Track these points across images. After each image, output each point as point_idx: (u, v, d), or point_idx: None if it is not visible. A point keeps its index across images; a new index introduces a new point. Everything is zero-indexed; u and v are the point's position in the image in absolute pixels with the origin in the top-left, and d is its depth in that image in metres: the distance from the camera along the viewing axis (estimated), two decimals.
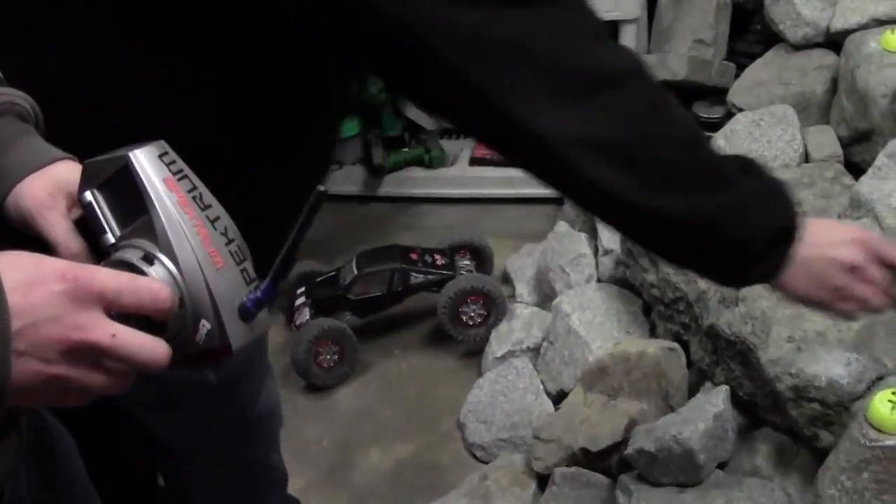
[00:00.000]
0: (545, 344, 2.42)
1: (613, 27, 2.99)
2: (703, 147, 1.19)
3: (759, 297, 1.90)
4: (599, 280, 2.50)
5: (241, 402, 1.56)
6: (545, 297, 2.65)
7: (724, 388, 1.92)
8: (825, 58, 2.57)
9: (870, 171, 1.93)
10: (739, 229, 1.16)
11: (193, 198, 0.88)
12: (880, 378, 1.72)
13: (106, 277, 0.77)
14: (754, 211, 1.17)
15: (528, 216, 3.24)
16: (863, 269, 1.25)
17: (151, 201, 0.86)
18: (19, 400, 0.74)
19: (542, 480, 2.09)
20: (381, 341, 2.77)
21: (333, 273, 2.76)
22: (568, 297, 2.41)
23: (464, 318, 2.63)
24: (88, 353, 0.76)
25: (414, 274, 2.68)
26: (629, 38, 2.98)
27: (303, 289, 2.78)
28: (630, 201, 1.10)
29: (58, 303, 0.74)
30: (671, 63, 2.88)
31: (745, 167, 1.20)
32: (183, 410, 1.47)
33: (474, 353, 2.65)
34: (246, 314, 0.87)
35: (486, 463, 2.29)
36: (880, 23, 2.40)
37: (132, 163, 0.88)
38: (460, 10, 0.99)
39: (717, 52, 2.96)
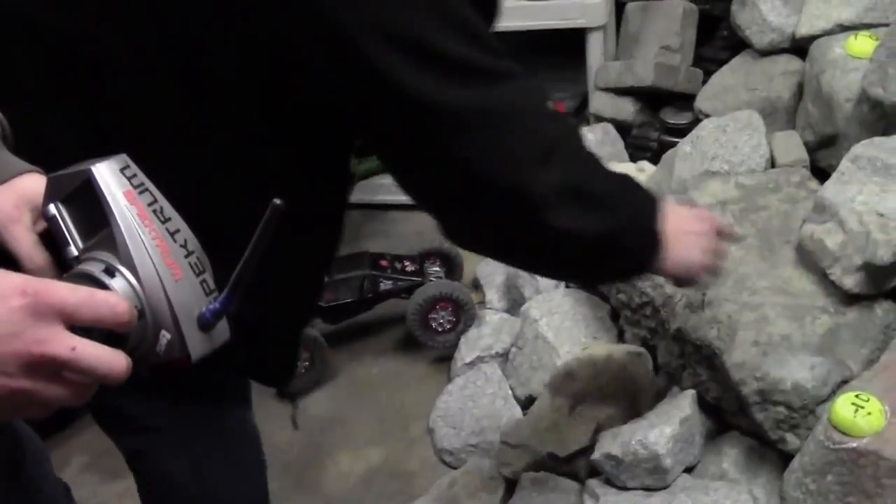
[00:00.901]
0: (514, 349, 2.41)
1: (580, 35, 2.99)
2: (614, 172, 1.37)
3: (724, 301, 1.90)
4: (567, 286, 2.48)
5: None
6: (514, 303, 2.64)
7: (691, 393, 1.91)
8: (791, 63, 2.57)
9: (834, 176, 1.93)
10: (643, 222, 1.36)
11: (154, 211, 0.89)
12: (845, 381, 1.72)
13: (65, 292, 0.77)
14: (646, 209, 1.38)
15: None
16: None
17: (112, 214, 0.87)
18: None
19: (511, 485, 2.07)
20: (351, 347, 2.76)
21: None
22: (536, 303, 2.40)
23: (433, 325, 2.61)
24: (49, 367, 0.76)
25: (384, 281, 2.66)
26: (596, 45, 2.98)
27: None
28: (599, 231, 1.27)
29: (18, 318, 0.74)
30: (638, 69, 2.88)
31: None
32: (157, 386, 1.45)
33: (444, 359, 2.63)
34: (205, 324, 0.88)
35: (456, 468, 2.27)
36: (845, 28, 2.40)
37: (94, 176, 0.89)
38: (452, 88, 1.11)
39: (684, 58, 2.96)
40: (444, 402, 2.42)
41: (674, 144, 2.54)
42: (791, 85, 2.53)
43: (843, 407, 1.55)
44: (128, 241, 0.87)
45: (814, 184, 2.16)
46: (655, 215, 1.36)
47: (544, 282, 2.52)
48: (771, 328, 1.83)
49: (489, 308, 2.71)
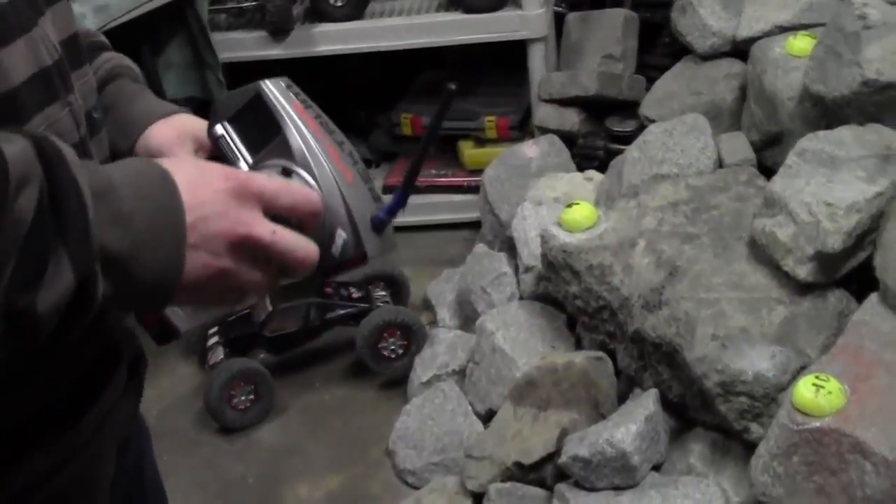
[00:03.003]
0: (471, 365, 2.52)
1: (521, 49, 3.13)
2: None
3: (681, 298, 2.03)
4: (521, 298, 2.60)
5: None
6: (468, 319, 2.75)
7: (654, 391, 2.04)
8: (733, 66, 2.73)
9: (781, 170, 2.07)
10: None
11: (320, 123, 0.99)
12: (803, 368, 1.85)
13: (264, 179, 0.88)
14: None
15: (445, 242, 3.34)
16: None
17: (285, 121, 0.98)
18: (185, 295, 0.83)
19: (477, 499, 2.18)
20: (301, 376, 2.85)
21: (247, 310, 2.83)
22: (491, 316, 2.51)
23: (385, 353, 2.72)
24: (250, 249, 0.85)
25: (330, 308, 2.76)
26: (538, 56, 3.12)
27: (215, 328, 2.84)
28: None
29: (223, 200, 0.84)
30: (582, 79, 3.02)
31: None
32: None
33: (398, 381, 2.73)
34: (379, 225, 0.97)
35: (419, 488, 2.37)
36: (783, 29, 2.56)
37: (264, 91, 1.00)
38: None
39: (627, 66, 3.11)
40: (403, 422, 2.52)
41: (620, 152, 2.68)
42: (734, 87, 2.69)
43: (804, 388, 1.68)
44: (302, 144, 0.96)
45: (761, 181, 2.31)
46: None
47: (497, 295, 2.64)
48: (729, 322, 1.96)
49: (442, 326, 2.82)
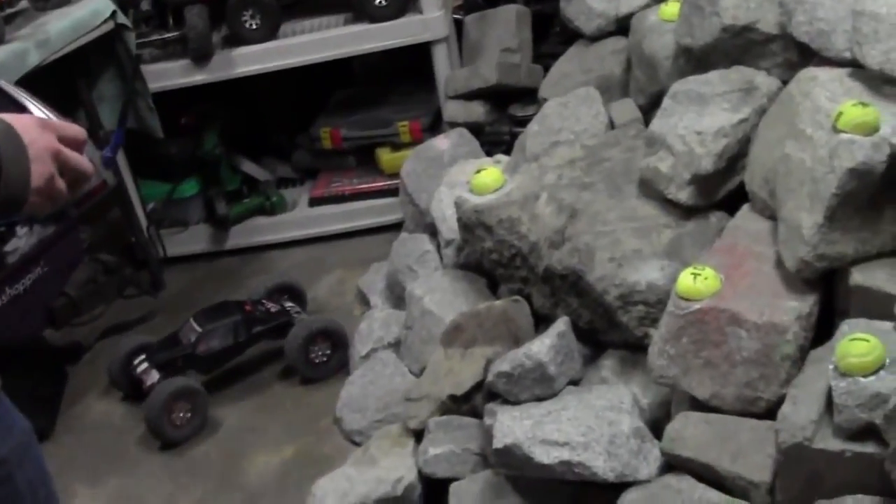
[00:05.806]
0: (404, 331, 2.82)
1: (426, 48, 3.48)
2: None
3: (581, 233, 2.35)
4: (444, 265, 2.91)
5: None
6: (399, 300, 3.04)
7: (565, 317, 2.34)
8: (618, 43, 3.09)
9: (658, 113, 2.41)
10: None
11: (39, 99, 1.48)
12: None
13: (49, 119, 1.38)
14: None
15: (372, 245, 3.65)
16: None
17: (26, 100, 1.47)
18: (35, 197, 1.29)
19: (419, 436, 2.46)
20: (254, 375, 3.14)
21: (171, 335, 3.10)
22: (419, 283, 2.82)
23: (316, 361, 3.03)
24: (57, 157, 1.32)
25: (255, 324, 3.06)
26: (441, 56, 3.47)
27: (142, 357, 3.06)
28: None
29: (36, 127, 1.31)
30: (482, 71, 3.37)
31: None
32: None
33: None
34: (108, 161, 1.59)
35: None
36: (659, 2, 2.92)
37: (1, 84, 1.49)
38: None
39: (524, 56, 3.46)
40: (347, 392, 2.80)
41: None
42: (621, 61, 3.04)
43: (684, 278, 2.01)
44: (44, 111, 1.43)
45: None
46: None
47: (423, 271, 2.94)
48: (623, 246, 2.28)
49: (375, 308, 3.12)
